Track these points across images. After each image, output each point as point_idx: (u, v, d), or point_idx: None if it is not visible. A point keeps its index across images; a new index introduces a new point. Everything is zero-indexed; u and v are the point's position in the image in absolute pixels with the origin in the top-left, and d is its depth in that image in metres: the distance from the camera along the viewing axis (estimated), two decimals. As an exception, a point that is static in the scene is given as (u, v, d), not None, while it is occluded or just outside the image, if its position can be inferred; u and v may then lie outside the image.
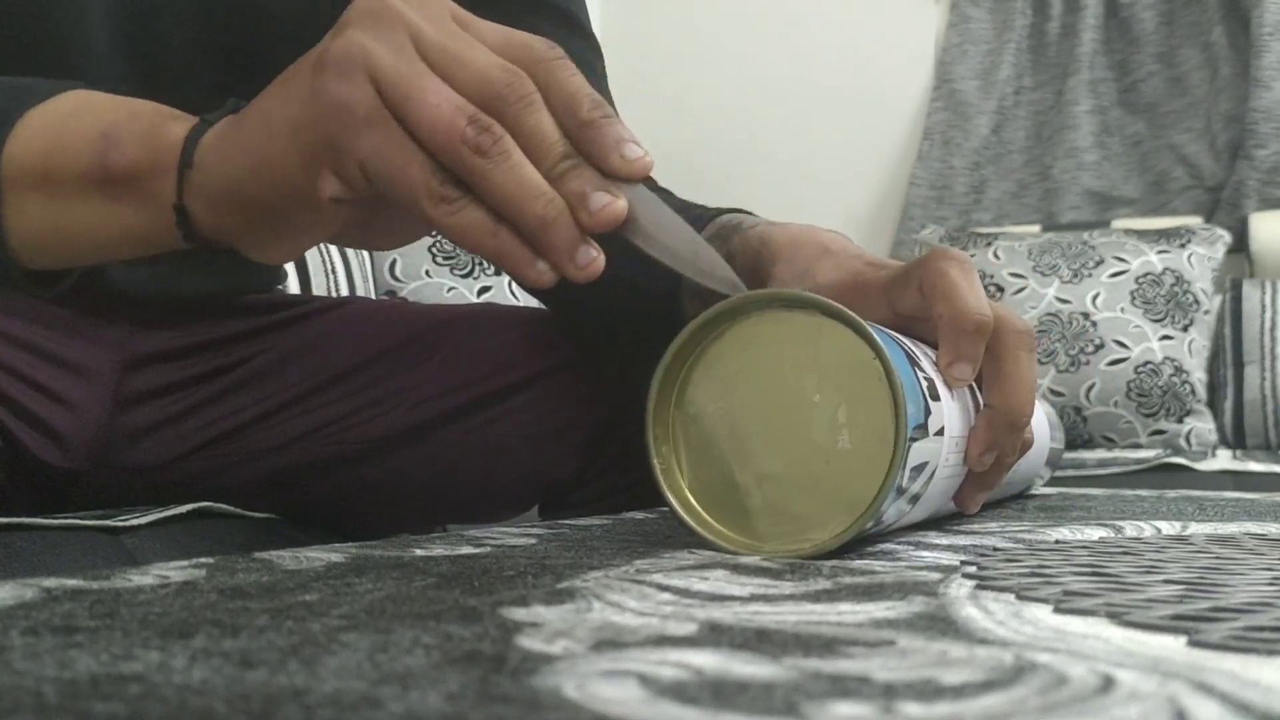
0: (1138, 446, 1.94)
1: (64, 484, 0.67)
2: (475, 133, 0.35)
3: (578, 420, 0.69)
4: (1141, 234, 2.14)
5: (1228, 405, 2.02)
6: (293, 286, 1.47)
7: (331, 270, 1.59)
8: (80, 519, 0.61)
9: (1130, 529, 0.52)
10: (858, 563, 0.37)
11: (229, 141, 0.42)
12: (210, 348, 0.71)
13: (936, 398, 0.43)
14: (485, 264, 1.73)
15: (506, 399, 0.69)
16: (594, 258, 0.36)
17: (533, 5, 0.70)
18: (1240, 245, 2.22)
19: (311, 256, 1.55)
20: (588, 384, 0.70)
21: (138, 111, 0.45)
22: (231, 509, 0.68)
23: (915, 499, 0.43)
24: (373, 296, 1.65)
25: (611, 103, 0.72)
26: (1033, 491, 0.77)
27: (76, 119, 0.45)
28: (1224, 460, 1.74)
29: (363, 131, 0.36)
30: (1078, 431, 2.00)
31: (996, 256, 2.18)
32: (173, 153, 0.43)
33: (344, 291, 1.58)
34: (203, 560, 0.34)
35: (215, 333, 0.71)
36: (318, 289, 1.54)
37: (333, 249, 1.60)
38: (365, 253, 1.68)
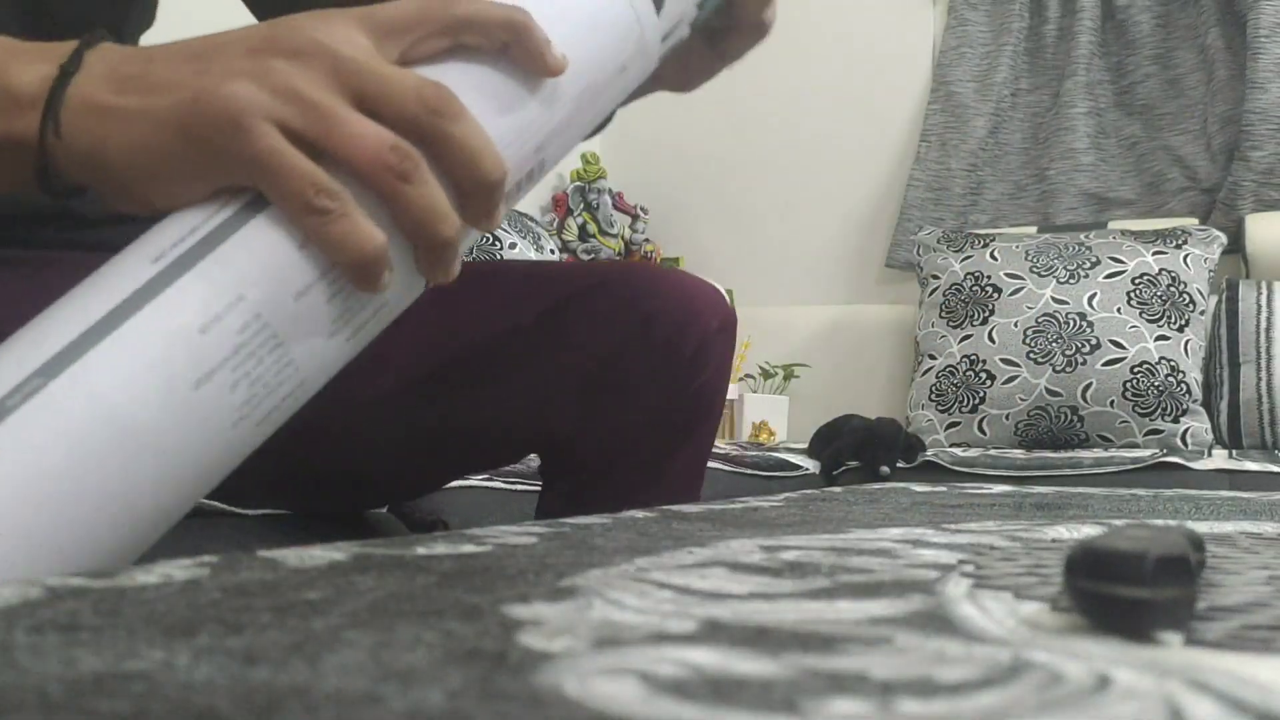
0: (1134, 446, 1.94)
1: None
2: (398, 159, 0.38)
3: (575, 367, 0.69)
4: (1138, 235, 2.15)
5: (1223, 405, 2.03)
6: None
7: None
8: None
9: (1126, 529, 0.52)
10: (856, 560, 0.38)
11: (104, 114, 0.39)
12: None
13: None
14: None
15: (508, 345, 0.69)
16: (455, 274, 0.41)
17: None
18: (1236, 246, 2.22)
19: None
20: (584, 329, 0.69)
21: None
22: (227, 508, 0.68)
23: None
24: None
25: None
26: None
27: None
28: (1220, 460, 1.75)
29: (255, 141, 0.37)
30: (1074, 431, 2.00)
31: (994, 257, 2.18)
32: (30, 111, 0.39)
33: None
34: (206, 558, 0.34)
35: None
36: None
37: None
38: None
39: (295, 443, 0.70)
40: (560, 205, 2.76)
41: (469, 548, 0.38)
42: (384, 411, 0.68)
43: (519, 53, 0.43)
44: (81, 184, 0.41)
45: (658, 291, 0.69)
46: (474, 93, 0.42)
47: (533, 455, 0.75)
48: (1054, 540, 0.46)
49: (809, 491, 0.88)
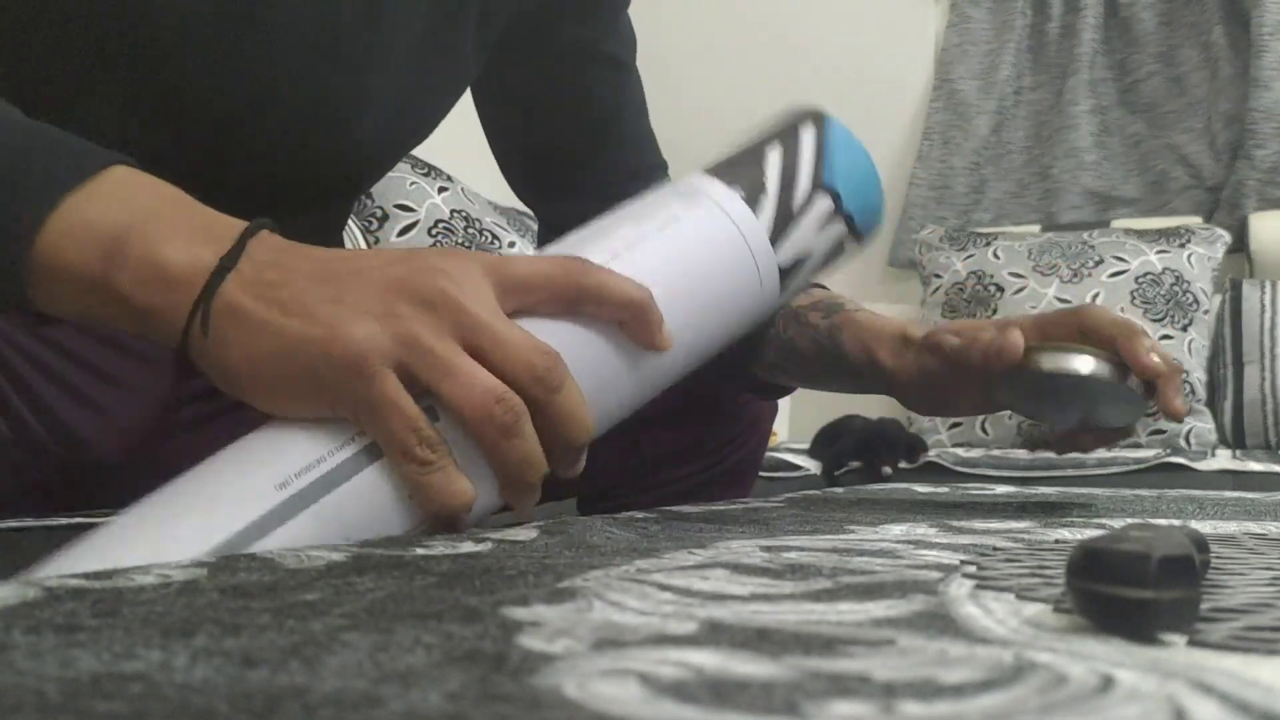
0: (1138, 446, 1.94)
1: (86, 480, 0.67)
2: (503, 412, 0.40)
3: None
4: (1141, 234, 2.14)
5: (1227, 405, 2.02)
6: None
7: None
8: (84, 518, 0.61)
9: (1130, 529, 0.52)
10: (858, 561, 0.37)
11: (240, 318, 0.40)
12: None
13: None
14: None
15: None
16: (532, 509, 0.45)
17: (589, 55, 0.76)
18: (1240, 245, 2.22)
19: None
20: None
21: (149, 234, 0.41)
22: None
23: None
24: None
25: (645, 109, 0.80)
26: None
27: (101, 210, 0.41)
28: (1224, 460, 1.74)
29: (373, 387, 0.39)
30: (1077, 431, 2.00)
31: (996, 256, 2.18)
32: (178, 293, 0.40)
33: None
34: (204, 559, 0.34)
35: None
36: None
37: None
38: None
39: None
40: (563, 205, 2.76)
41: (468, 547, 0.38)
42: None
43: (632, 329, 0.46)
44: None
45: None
46: (581, 360, 0.44)
47: None
48: (1057, 541, 0.46)
49: (810, 492, 0.88)
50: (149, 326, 0.41)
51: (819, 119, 0.56)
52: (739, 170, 0.52)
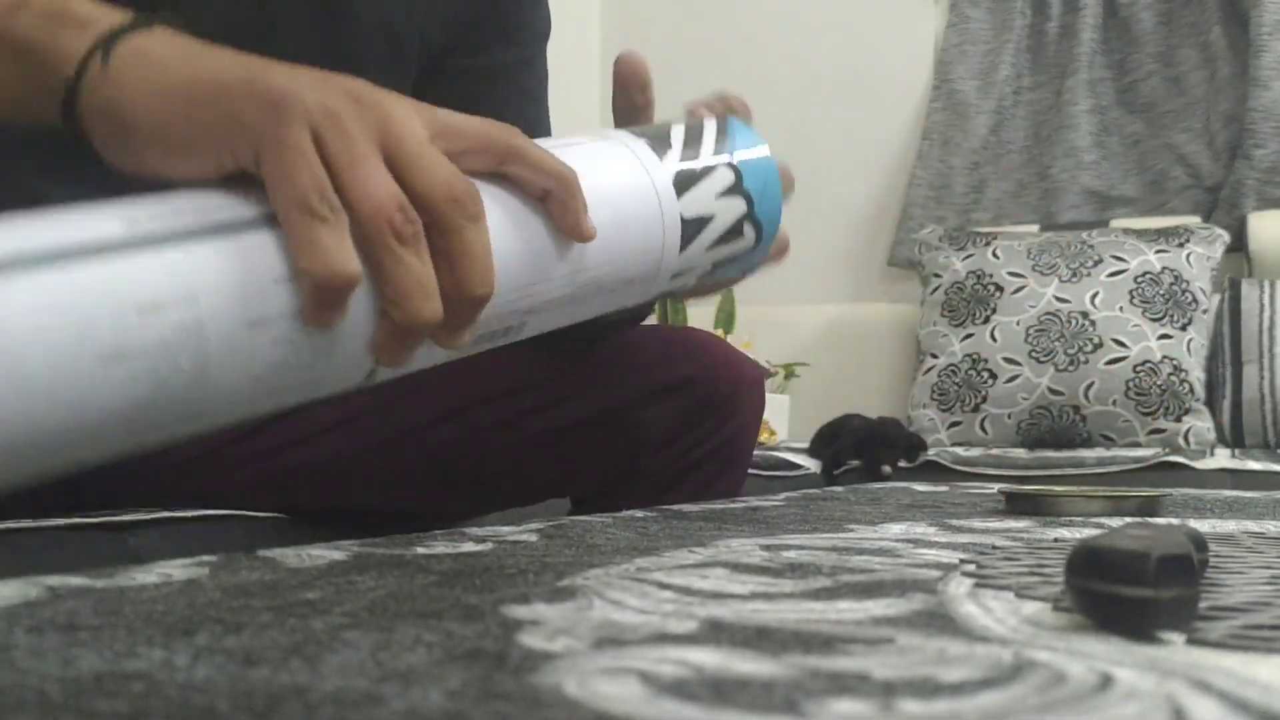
0: (1136, 445, 1.94)
1: (73, 482, 0.67)
2: (403, 220, 0.37)
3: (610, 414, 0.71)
4: (1140, 233, 2.14)
5: (1226, 404, 2.02)
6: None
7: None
8: (85, 517, 0.61)
9: (1129, 528, 0.52)
10: (857, 560, 0.38)
11: (149, 61, 0.39)
12: None
13: None
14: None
15: (541, 387, 0.70)
16: (410, 361, 0.39)
17: (493, 78, 0.77)
18: (1238, 244, 2.22)
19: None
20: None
21: None
22: (238, 512, 0.68)
23: None
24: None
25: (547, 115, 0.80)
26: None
27: None
28: (1222, 459, 1.74)
29: (288, 128, 0.36)
30: (1077, 430, 2.00)
31: (996, 256, 2.18)
32: (86, 33, 0.40)
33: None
34: (206, 558, 0.34)
35: None
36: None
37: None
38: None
39: (323, 475, 0.71)
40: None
41: (469, 547, 0.38)
42: (415, 444, 0.70)
43: (556, 205, 0.43)
44: (91, 135, 0.40)
45: (696, 343, 0.73)
46: (498, 218, 0.42)
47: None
48: (1056, 540, 0.46)
49: (810, 491, 0.88)
50: (39, 72, 0.40)
51: (724, 116, 0.58)
52: (645, 130, 0.54)
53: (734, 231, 0.55)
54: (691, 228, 0.53)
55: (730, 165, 0.55)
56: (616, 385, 0.71)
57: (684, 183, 0.52)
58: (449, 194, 0.38)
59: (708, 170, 0.54)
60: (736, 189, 0.55)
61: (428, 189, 0.38)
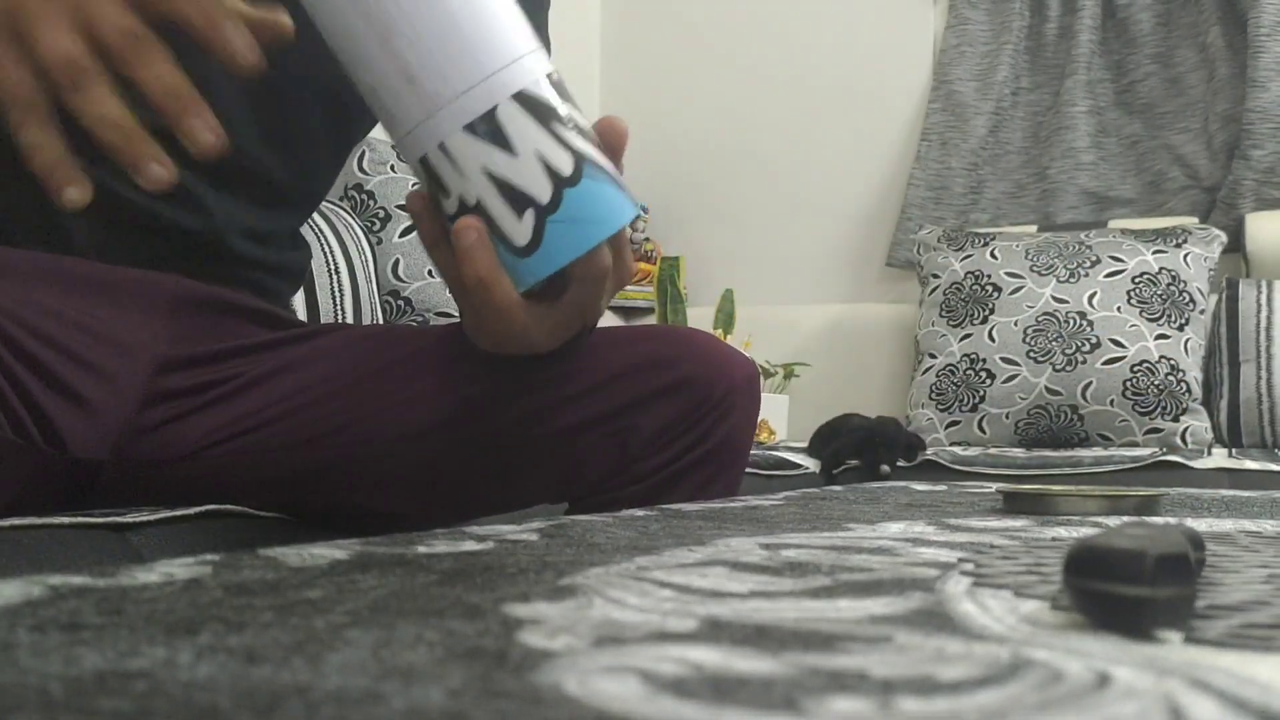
0: (1134, 445, 1.94)
1: (81, 480, 0.67)
2: (71, 71, 0.45)
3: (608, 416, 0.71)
4: (1138, 234, 2.14)
5: (1223, 404, 2.03)
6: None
7: (335, 269, 1.61)
8: (87, 517, 0.61)
9: (1127, 527, 0.52)
10: (856, 558, 0.38)
11: None
12: (239, 354, 0.72)
13: None
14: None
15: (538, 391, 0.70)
16: (159, 176, 0.47)
17: None
18: (1236, 245, 2.22)
19: (315, 253, 1.57)
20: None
21: None
22: (240, 509, 0.69)
23: None
24: (376, 296, 1.70)
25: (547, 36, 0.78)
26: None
27: None
28: (1219, 458, 1.75)
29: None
30: (1074, 430, 2.00)
31: (994, 256, 2.18)
32: None
33: (346, 288, 1.62)
34: (208, 557, 0.34)
35: (245, 340, 0.72)
36: (320, 283, 1.57)
37: (337, 251, 1.63)
38: (369, 253, 1.71)
39: (321, 478, 0.71)
40: (560, 204, 2.76)
41: (470, 546, 0.38)
42: (412, 449, 0.70)
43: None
44: None
45: (691, 342, 0.74)
46: None
47: None
48: (1054, 539, 0.46)
49: (809, 490, 0.88)
50: None
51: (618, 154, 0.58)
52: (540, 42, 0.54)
53: (516, 200, 0.51)
54: (491, 124, 0.50)
55: (575, 154, 0.51)
56: (610, 391, 0.71)
57: (532, 99, 0.51)
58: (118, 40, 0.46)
59: (555, 118, 0.51)
60: (560, 178, 0.51)
61: (100, 34, 0.46)
